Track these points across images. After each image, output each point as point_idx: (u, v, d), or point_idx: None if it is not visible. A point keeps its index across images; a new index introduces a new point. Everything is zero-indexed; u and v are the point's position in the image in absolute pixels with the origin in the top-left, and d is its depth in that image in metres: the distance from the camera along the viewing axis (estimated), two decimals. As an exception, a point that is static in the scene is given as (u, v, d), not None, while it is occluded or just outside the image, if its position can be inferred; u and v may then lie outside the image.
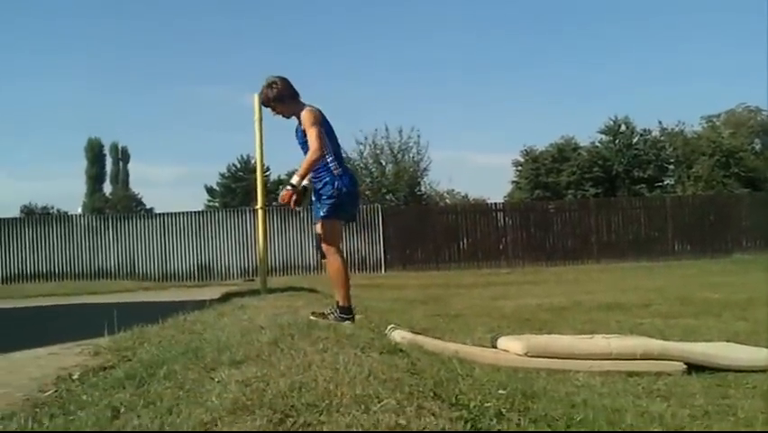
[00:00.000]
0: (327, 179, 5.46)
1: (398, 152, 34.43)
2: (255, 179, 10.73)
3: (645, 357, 4.79)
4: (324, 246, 5.58)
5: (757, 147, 41.35)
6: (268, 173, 44.12)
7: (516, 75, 62.43)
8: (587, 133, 51.88)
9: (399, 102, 60.14)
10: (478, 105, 63.57)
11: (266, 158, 10.79)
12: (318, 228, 5.58)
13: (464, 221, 24.62)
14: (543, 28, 63.14)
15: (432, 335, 5.73)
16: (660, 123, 39.59)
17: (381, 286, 14.70)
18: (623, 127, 39.00)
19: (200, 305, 6.99)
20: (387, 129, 34.37)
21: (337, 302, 5.54)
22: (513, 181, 41.22)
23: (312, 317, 5.32)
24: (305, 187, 5.47)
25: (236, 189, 45.10)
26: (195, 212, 24.55)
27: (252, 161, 34.70)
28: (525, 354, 4.77)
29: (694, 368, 4.72)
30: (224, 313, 6.26)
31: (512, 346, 4.94)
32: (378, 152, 34.62)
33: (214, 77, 64.50)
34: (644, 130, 38.88)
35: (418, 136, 34.10)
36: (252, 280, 17.61)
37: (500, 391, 2.99)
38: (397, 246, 23.67)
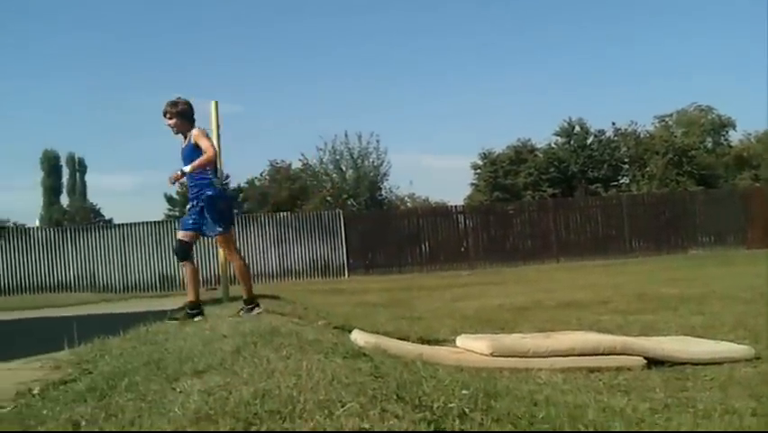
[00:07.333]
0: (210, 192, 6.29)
1: (358, 158, 34.46)
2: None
3: (607, 353, 4.87)
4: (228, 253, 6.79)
5: (709, 145, 42.27)
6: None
7: (473, 77, 62.94)
8: (542, 135, 52.53)
9: (357, 107, 60.24)
10: (436, 108, 63.95)
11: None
12: (180, 235, 6.46)
13: (425, 224, 24.71)
14: (498, 30, 63.71)
15: (395, 338, 5.74)
16: (613, 123, 40.32)
17: (344, 291, 14.69)
18: (577, 128, 39.54)
19: (162, 315, 6.92)
20: (346, 135, 34.43)
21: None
22: (472, 184, 41.53)
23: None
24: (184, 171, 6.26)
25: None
26: (155, 222, 24.28)
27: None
28: (491, 354, 4.81)
29: (653, 363, 4.81)
30: (185, 323, 6.20)
31: (476, 346, 4.98)
32: (338, 157, 34.64)
33: (168, 86, 63.67)
34: (598, 131, 39.55)
35: (377, 141, 34.23)
36: (215, 288, 17.41)
37: (463, 392, 3.00)
38: (360, 251, 23.66)
